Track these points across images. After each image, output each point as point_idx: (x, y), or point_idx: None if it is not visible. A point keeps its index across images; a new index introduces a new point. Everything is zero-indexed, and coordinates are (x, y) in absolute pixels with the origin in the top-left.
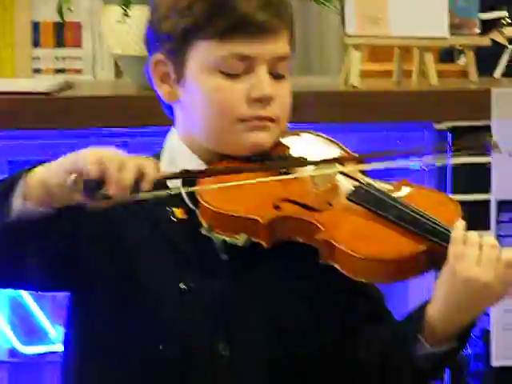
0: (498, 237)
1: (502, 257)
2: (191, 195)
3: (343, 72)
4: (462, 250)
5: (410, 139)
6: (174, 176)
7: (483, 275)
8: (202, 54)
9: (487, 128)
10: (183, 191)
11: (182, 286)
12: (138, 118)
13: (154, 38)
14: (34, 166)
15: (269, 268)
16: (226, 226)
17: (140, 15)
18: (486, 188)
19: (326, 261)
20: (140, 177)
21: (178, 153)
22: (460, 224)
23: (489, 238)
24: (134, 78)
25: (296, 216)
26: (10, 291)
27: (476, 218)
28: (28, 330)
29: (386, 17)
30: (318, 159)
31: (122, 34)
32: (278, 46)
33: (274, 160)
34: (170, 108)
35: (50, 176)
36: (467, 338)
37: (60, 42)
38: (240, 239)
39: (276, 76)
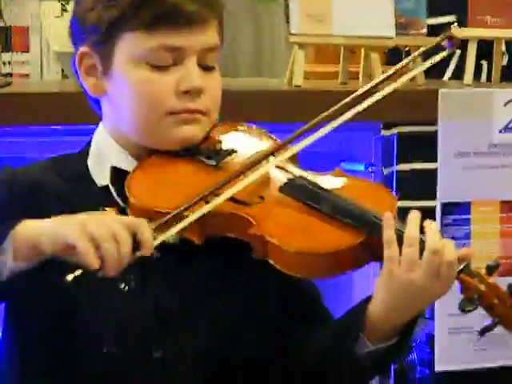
0: None
1: (446, 258)
2: (121, 192)
3: (288, 72)
4: (397, 252)
5: (356, 140)
6: (165, 224)
7: (423, 279)
8: (129, 45)
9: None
10: (172, 234)
11: (121, 286)
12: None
13: (79, 30)
14: (14, 224)
15: (201, 265)
16: (159, 228)
17: None
18: (433, 194)
19: (259, 256)
20: (136, 239)
21: (105, 148)
22: (391, 221)
23: (431, 238)
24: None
25: (227, 211)
26: None
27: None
28: None
29: (330, 15)
30: (249, 153)
31: (60, 29)
32: (208, 36)
33: (203, 153)
34: (98, 102)
35: (42, 242)
36: (409, 334)
37: (7, 47)
38: (171, 237)
39: (205, 67)
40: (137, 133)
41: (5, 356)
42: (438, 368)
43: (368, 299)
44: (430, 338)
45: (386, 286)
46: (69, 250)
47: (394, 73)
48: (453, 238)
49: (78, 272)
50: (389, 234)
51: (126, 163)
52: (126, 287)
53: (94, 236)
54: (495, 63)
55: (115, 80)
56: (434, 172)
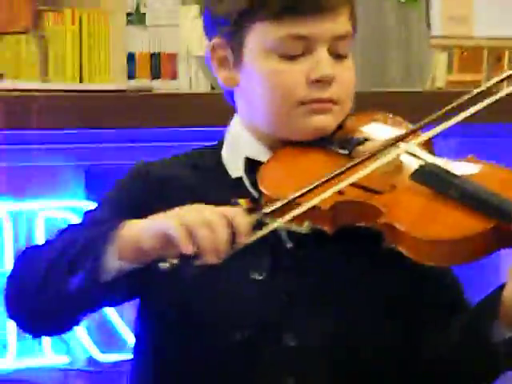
0: None
1: None
2: (255, 183)
3: (431, 76)
4: None
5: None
6: (267, 214)
7: None
8: (259, 36)
9: None
10: (280, 225)
11: (255, 275)
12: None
13: (210, 22)
14: (116, 226)
15: (334, 255)
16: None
17: None
18: None
19: (389, 245)
20: (233, 230)
21: (240, 139)
22: None
23: None
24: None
25: (358, 199)
26: None
27: None
28: (106, 338)
29: (472, 16)
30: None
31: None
32: (338, 24)
33: (336, 143)
34: (232, 95)
35: (144, 242)
36: None
37: (155, 74)
38: (304, 227)
39: (337, 56)
40: (269, 124)
41: (139, 349)
42: None
43: (502, 286)
44: None
45: None
46: (167, 242)
47: None
48: None
49: (175, 260)
50: None
51: (261, 154)
52: (259, 277)
53: (188, 224)
54: None
55: (246, 71)
56: None
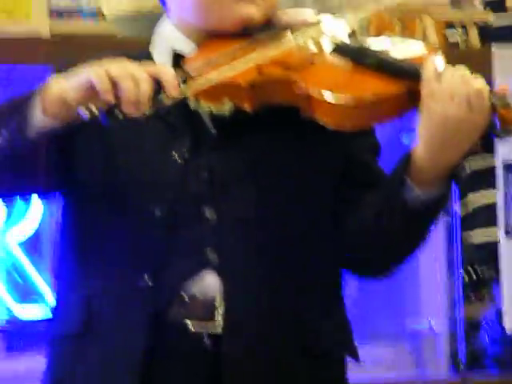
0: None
1: (474, 86)
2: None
3: None
4: (435, 87)
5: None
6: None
7: (458, 111)
8: None
9: None
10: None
11: (175, 155)
12: None
13: None
14: (47, 82)
15: (256, 138)
16: (212, 95)
17: None
18: None
19: (306, 114)
20: (159, 86)
21: (168, 37)
22: (432, 62)
23: (461, 70)
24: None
25: (278, 77)
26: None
27: None
28: (25, 294)
29: None
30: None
31: None
32: None
33: (259, 32)
34: None
35: (68, 93)
36: (454, 179)
37: None
38: (225, 107)
39: None
40: (196, 13)
41: (63, 237)
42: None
43: (411, 149)
44: (498, 314)
45: (426, 125)
46: (90, 91)
47: None
48: None
49: (94, 108)
50: (427, 72)
51: (187, 48)
52: (179, 158)
53: (112, 73)
54: None
55: None
56: None
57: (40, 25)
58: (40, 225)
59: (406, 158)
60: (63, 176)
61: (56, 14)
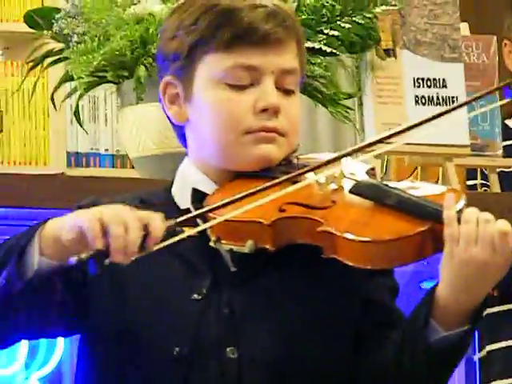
0: None
1: (498, 228)
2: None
3: None
4: (457, 230)
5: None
6: (182, 222)
7: (481, 253)
8: (209, 67)
9: None
10: (191, 232)
11: (194, 295)
12: None
13: (162, 60)
14: (45, 222)
15: (277, 276)
16: (233, 234)
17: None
18: None
19: (328, 255)
20: (147, 234)
21: (188, 174)
22: (452, 201)
23: (484, 213)
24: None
25: (299, 215)
26: None
27: None
28: None
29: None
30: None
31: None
32: (285, 58)
33: (280, 172)
34: (183, 134)
35: (61, 235)
36: (479, 318)
37: None
38: (246, 247)
39: (284, 91)
40: (217, 154)
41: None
42: None
43: (435, 286)
44: None
45: (449, 266)
46: (82, 236)
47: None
48: None
49: (84, 255)
50: (449, 213)
51: (207, 186)
52: (199, 297)
53: (103, 220)
54: None
55: (196, 104)
56: None
57: (57, 169)
58: (61, 360)
59: (429, 299)
60: (75, 317)
61: (74, 158)
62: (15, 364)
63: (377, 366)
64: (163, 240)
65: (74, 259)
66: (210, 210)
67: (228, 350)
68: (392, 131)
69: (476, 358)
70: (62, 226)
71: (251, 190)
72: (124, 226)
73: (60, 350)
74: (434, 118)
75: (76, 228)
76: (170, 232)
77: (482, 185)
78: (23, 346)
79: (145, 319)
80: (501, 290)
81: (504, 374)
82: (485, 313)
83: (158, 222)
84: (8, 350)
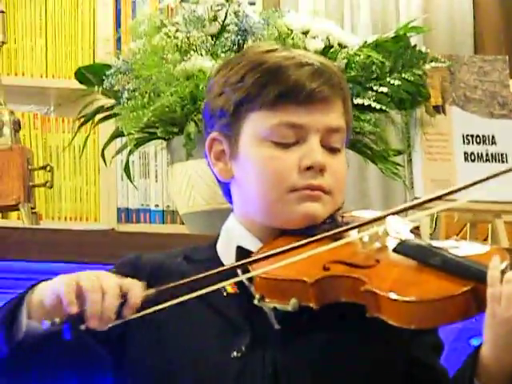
0: None
1: None
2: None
3: None
4: (499, 290)
5: None
6: (163, 291)
7: None
8: (254, 124)
9: None
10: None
11: (234, 353)
12: None
13: (209, 117)
14: (36, 285)
15: (320, 334)
16: (277, 292)
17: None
18: None
19: (372, 314)
20: (124, 301)
21: (233, 231)
22: (496, 263)
23: None
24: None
25: (342, 274)
26: None
27: None
28: None
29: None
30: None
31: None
32: (331, 116)
33: (325, 230)
34: (228, 190)
35: (44, 299)
36: None
37: None
38: (290, 305)
39: (330, 149)
40: (262, 211)
41: None
42: None
43: (479, 346)
44: None
45: (492, 326)
46: (58, 302)
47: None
48: None
49: (58, 319)
50: (492, 274)
51: (251, 243)
52: (238, 354)
53: (80, 285)
54: None
55: (241, 161)
56: None
57: (108, 225)
58: None
59: (473, 359)
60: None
61: (124, 213)
62: None
63: None
64: (145, 307)
65: (47, 323)
66: (249, 263)
67: None
68: (440, 192)
69: None
70: (46, 290)
71: (292, 245)
72: (101, 293)
73: None
74: (486, 179)
75: (55, 292)
76: (153, 299)
77: None
78: None
79: (184, 376)
80: None
81: None
82: None
83: (137, 289)
84: None
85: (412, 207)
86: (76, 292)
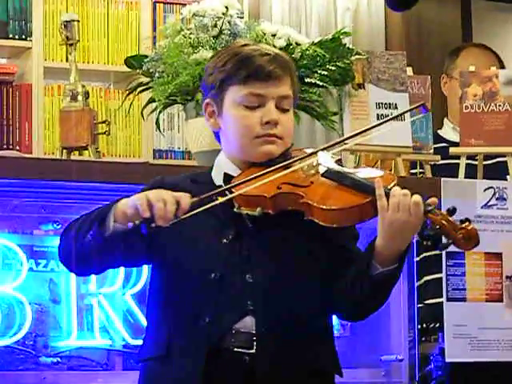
0: None
1: (413, 200)
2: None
3: None
4: (386, 202)
5: None
6: (202, 200)
7: (402, 217)
8: (232, 94)
9: None
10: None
11: (224, 240)
12: None
13: (204, 88)
14: (119, 200)
15: (277, 230)
16: (248, 203)
17: None
18: None
19: (308, 217)
20: (178, 207)
21: (222, 163)
22: (380, 184)
23: (403, 190)
24: None
25: (289, 191)
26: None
27: None
28: (135, 329)
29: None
30: (305, 155)
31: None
32: (282, 88)
33: (279, 163)
34: (218, 135)
35: (125, 209)
36: (404, 258)
37: None
38: (256, 211)
39: (281, 110)
40: (238, 151)
41: (150, 295)
42: (448, 360)
43: (374, 239)
44: (441, 351)
45: (382, 226)
46: (136, 210)
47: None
48: (453, 274)
49: (137, 221)
50: (379, 192)
51: (233, 171)
52: (226, 241)
53: (149, 199)
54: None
55: (225, 118)
56: None
57: (146, 160)
58: (146, 282)
59: (371, 246)
60: (148, 255)
61: (157, 153)
62: (115, 285)
63: (339, 290)
64: (190, 210)
65: (130, 224)
66: (233, 187)
67: (247, 276)
68: (346, 136)
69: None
70: (126, 203)
71: (258, 173)
72: (163, 202)
73: (145, 274)
74: (377, 125)
75: (134, 204)
76: (196, 205)
77: (420, 172)
78: (121, 272)
79: (189, 255)
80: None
81: (435, 296)
82: (423, 255)
83: (186, 199)
84: (111, 275)
85: (333, 145)
86: (147, 203)
